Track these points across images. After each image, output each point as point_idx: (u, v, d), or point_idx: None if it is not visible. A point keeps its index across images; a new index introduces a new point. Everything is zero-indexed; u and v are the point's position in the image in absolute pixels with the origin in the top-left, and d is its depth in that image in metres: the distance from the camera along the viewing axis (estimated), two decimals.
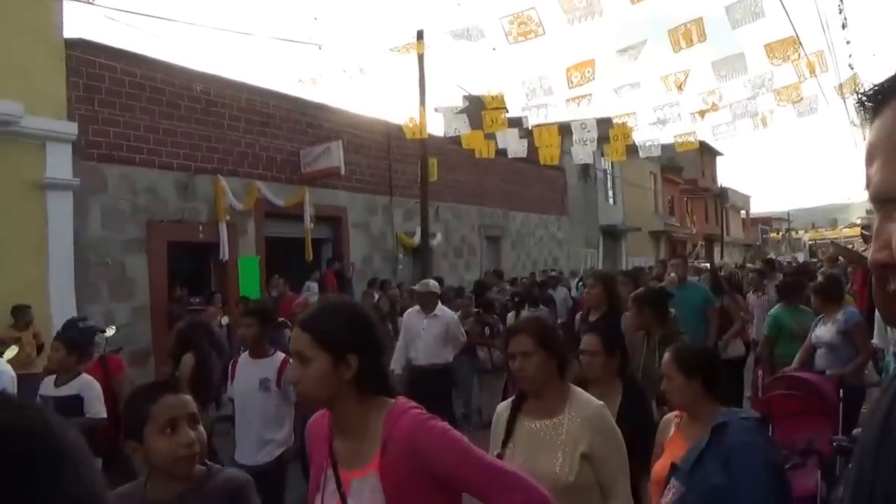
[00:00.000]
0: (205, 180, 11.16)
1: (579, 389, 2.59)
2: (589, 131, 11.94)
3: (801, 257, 36.97)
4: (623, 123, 12.64)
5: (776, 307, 6.84)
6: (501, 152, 14.86)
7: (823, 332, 5.45)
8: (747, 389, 7.49)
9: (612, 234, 29.13)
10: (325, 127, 13.58)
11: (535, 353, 2.43)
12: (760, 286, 9.09)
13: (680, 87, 10.21)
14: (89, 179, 9.48)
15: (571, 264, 22.76)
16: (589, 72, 9.41)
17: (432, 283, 7.42)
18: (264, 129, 12.36)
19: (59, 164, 9.08)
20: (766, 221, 64.35)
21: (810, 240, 57.36)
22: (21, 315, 7.98)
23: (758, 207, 69.54)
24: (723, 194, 43.46)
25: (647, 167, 32.00)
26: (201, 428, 1.93)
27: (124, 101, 10.07)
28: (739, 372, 7.51)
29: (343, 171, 12.93)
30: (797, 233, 65.72)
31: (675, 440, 2.65)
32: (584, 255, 25.16)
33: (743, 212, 54.75)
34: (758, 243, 54.42)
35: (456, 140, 13.01)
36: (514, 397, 2.62)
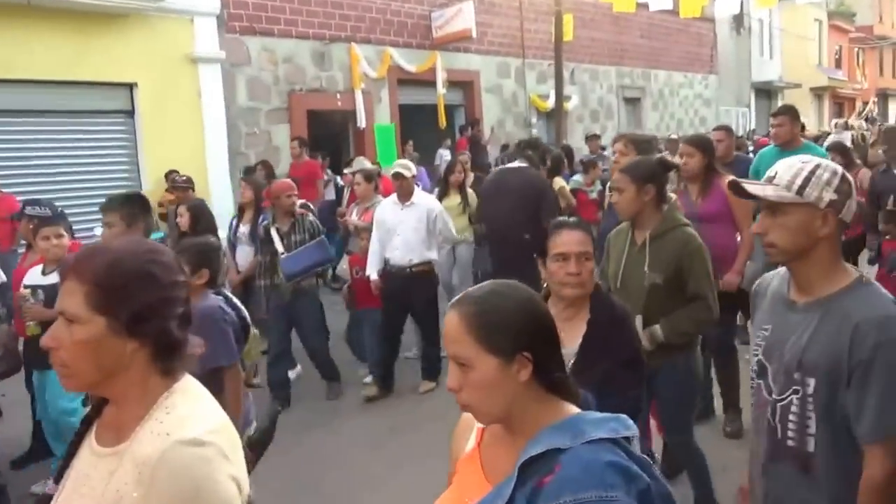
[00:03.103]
0: (340, 48, 11.36)
1: None
2: None
3: None
4: None
5: None
6: (642, 5, 13.86)
7: None
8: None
9: (767, 92, 26.81)
10: None
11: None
12: None
13: None
14: (234, 52, 9.96)
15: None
16: None
17: (403, 162, 5.93)
18: None
19: (207, 37, 9.58)
20: None
21: None
22: (174, 181, 8.58)
23: None
24: None
25: (811, 14, 28.60)
26: None
27: None
28: None
29: (474, 34, 12.65)
30: None
31: (468, 466, 1.41)
32: (734, 115, 23.49)
33: None
34: None
35: None
36: None
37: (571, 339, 2.28)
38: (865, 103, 33.56)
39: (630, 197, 3.08)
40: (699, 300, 3.07)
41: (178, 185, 7.05)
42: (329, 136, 11.85)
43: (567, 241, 2.36)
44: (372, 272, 5.52)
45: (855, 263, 4.85)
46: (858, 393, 1.65)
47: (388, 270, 5.50)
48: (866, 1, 35.65)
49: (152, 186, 8.71)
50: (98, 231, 6.65)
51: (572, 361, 2.24)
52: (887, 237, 5.41)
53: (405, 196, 5.54)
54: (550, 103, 14.57)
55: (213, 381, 2.87)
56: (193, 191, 6.99)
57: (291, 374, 5.77)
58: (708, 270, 3.09)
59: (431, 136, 12.89)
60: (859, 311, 1.67)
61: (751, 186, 1.78)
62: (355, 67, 11.47)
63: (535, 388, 1.30)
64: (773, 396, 1.82)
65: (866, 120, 20.32)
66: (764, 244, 1.81)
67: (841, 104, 34.39)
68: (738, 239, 4.33)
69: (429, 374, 5.70)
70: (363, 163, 8.16)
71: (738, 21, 23.22)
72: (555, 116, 14.09)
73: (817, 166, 1.70)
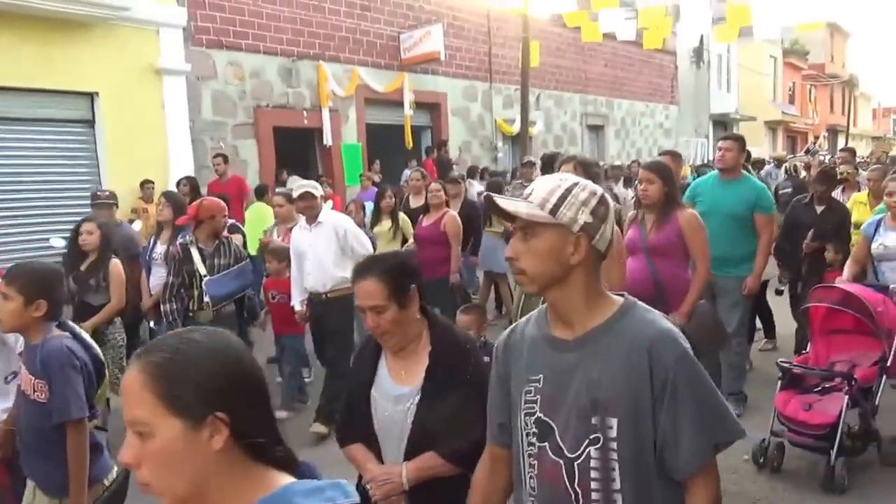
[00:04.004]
0: (308, 66, 11.32)
1: None
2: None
3: None
4: (741, 4, 11.70)
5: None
6: (608, 36, 14.17)
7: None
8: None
9: (724, 124, 27.57)
10: (425, 9, 13.32)
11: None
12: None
13: None
14: (200, 65, 9.85)
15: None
16: None
17: (303, 181, 5.52)
18: (365, 13, 12.27)
19: (172, 49, 9.45)
20: None
21: None
22: (146, 190, 8.61)
23: (894, 97, 63.43)
24: (852, 81, 39.85)
25: (767, 50, 29.62)
26: None
27: None
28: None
29: (443, 56, 12.76)
30: None
31: None
32: (693, 145, 24.08)
33: (874, 101, 50.17)
34: (888, 136, 50.12)
35: (559, 22, 12.47)
36: None
37: (412, 377, 2.15)
38: (817, 137, 34.71)
39: None
40: None
41: (101, 201, 6.21)
42: (296, 153, 11.77)
43: (358, 293, 2.15)
44: (295, 301, 5.21)
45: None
46: (671, 420, 1.46)
47: (309, 297, 5.14)
48: (818, 40, 37.09)
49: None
50: (55, 242, 6.46)
51: (416, 400, 2.12)
52: (829, 267, 5.47)
53: (312, 218, 5.08)
54: (516, 127, 14.73)
55: (60, 433, 2.45)
56: (117, 207, 6.50)
57: None
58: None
59: (398, 156, 12.91)
60: (646, 331, 1.50)
61: (503, 202, 1.54)
62: (323, 85, 11.44)
63: (235, 458, 1.07)
64: (567, 455, 1.52)
65: (807, 152, 20.88)
66: (514, 271, 1.58)
67: (794, 138, 35.56)
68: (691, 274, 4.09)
69: (326, 416, 4.83)
70: (296, 181, 7.93)
71: (698, 55, 23.91)
72: (520, 141, 14.24)
73: (575, 184, 1.52)
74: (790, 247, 5.85)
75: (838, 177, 6.77)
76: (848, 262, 4.80)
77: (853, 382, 3.89)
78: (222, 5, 10.15)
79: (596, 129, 19.28)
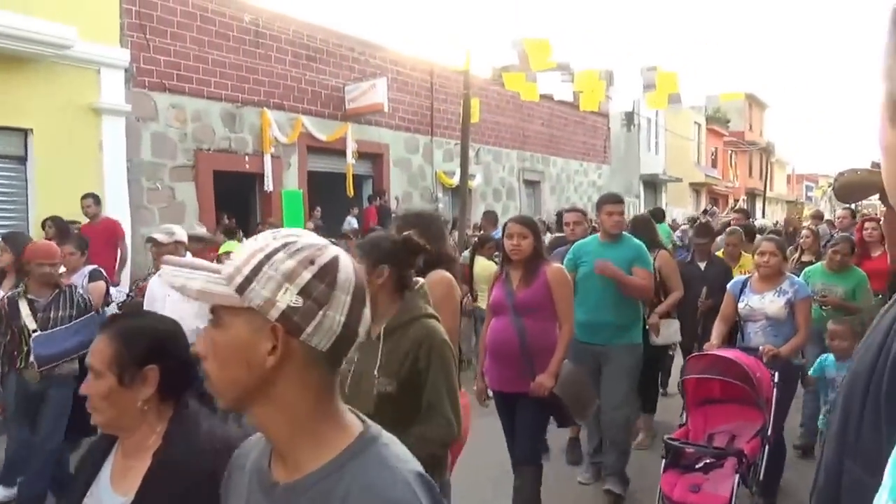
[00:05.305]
0: (251, 112, 11.34)
1: None
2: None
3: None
4: (669, 72, 12.43)
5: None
6: (546, 96, 14.75)
7: (765, 302, 4.31)
8: None
9: (653, 184, 28.80)
10: (371, 63, 13.61)
11: None
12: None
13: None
14: (140, 106, 9.74)
15: None
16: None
17: (165, 227, 5.15)
18: (311, 64, 12.44)
19: (113, 90, 9.33)
20: (812, 178, 62.65)
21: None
22: (47, 229, 7.91)
23: (807, 165, 67.63)
24: (768, 149, 42.37)
25: (692, 117, 31.30)
26: None
27: (175, 29, 10.23)
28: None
29: (387, 108, 13.01)
30: None
31: None
32: (625, 204, 24.96)
33: (789, 167, 53.36)
34: (801, 200, 53.19)
35: (499, 81, 12.93)
36: None
37: (131, 483, 1.54)
38: (737, 200, 36.59)
39: None
40: (434, 414, 2.36)
41: None
42: (235, 197, 11.66)
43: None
44: None
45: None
46: None
47: None
48: (738, 110, 39.43)
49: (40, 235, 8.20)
50: None
51: None
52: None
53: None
54: (456, 180, 15.02)
55: None
56: None
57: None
58: (449, 374, 2.40)
59: (340, 203, 12.95)
60: (373, 492, 0.98)
61: (173, 274, 1.03)
62: (266, 131, 11.46)
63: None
64: None
65: (704, 213, 21.78)
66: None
67: (716, 199, 37.28)
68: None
69: None
70: (196, 228, 7.72)
71: (629, 118, 25.06)
72: (460, 193, 14.50)
73: (282, 247, 1.01)
74: (682, 307, 5.53)
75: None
76: (716, 324, 4.51)
77: (743, 459, 3.62)
78: (167, 49, 10.13)
79: (533, 185, 19.83)
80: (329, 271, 1.01)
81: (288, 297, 0.98)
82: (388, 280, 2.48)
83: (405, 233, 2.72)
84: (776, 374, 3.96)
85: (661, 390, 6.37)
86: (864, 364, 0.81)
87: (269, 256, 1.00)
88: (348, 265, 1.04)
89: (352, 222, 12.18)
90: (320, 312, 0.99)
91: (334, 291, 1.00)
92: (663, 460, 3.83)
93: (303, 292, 0.99)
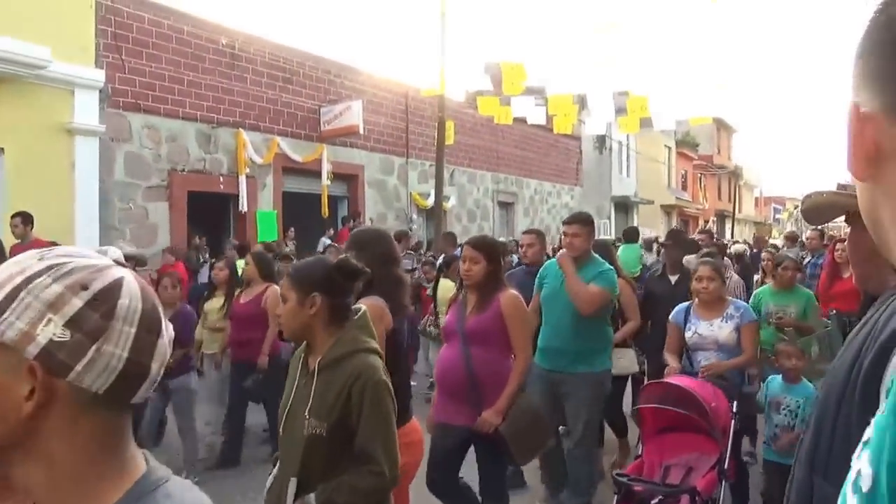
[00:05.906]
0: (226, 133, 11.35)
1: None
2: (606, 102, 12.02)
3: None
4: (640, 96, 12.72)
5: None
6: (519, 119, 14.98)
7: (714, 329, 4.14)
8: None
9: (625, 206, 29.20)
10: (346, 86, 13.71)
11: None
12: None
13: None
14: (115, 126, 9.70)
15: None
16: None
17: (104, 249, 4.79)
18: (287, 86, 12.50)
19: (87, 110, 9.29)
20: (780, 201, 64.00)
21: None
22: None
23: (774, 187, 69.11)
24: (737, 172, 43.26)
25: (661, 141, 31.91)
26: None
27: (151, 51, 10.23)
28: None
29: (362, 130, 13.10)
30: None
31: None
32: (596, 226, 25.28)
33: (757, 190, 54.52)
34: (769, 221, 54.27)
35: (473, 104, 13.11)
36: None
37: None
38: (707, 222, 37.21)
39: (291, 308, 2.31)
40: (366, 461, 2.18)
41: None
42: (209, 218, 11.61)
43: None
44: None
45: None
46: None
47: None
48: (707, 134, 40.25)
49: (10, 254, 8.08)
50: None
51: None
52: None
53: None
54: (430, 202, 15.14)
55: None
56: None
57: None
58: (385, 417, 2.21)
59: (315, 224, 12.95)
60: None
61: None
62: (241, 152, 11.46)
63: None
64: None
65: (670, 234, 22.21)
66: None
67: (687, 221, 37.89)
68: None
69: None
70: (125, 248, 7.78)
71: (601, 141, 25.45)
72: (434, 214, 14.62)
73: (47, 269, 0.82)
74: (649, 325, 5.28)
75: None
76: (668, 357, 4.29)
77: (696, 497, 3.41)
78: (143, 70, 10.12)
79: (506, 206, 20.03)
80: (106, 298, 0.82)
81: (50, 330, 0.79)
82: (320, 309, 2.29)
83: (340, 256, 2.52)
84: (735, 403, 3.83)
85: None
86: (836, 381, 0.82)
87: (29, 280, 0.80)
88: (134, 290, 0.85)
89: (326, 243, 12.16)
90: (93, 348, 0.80)
91: (112, 322, 0.81)
92: (615, 497, 3.62)
93: (70, 324, 0.79)
